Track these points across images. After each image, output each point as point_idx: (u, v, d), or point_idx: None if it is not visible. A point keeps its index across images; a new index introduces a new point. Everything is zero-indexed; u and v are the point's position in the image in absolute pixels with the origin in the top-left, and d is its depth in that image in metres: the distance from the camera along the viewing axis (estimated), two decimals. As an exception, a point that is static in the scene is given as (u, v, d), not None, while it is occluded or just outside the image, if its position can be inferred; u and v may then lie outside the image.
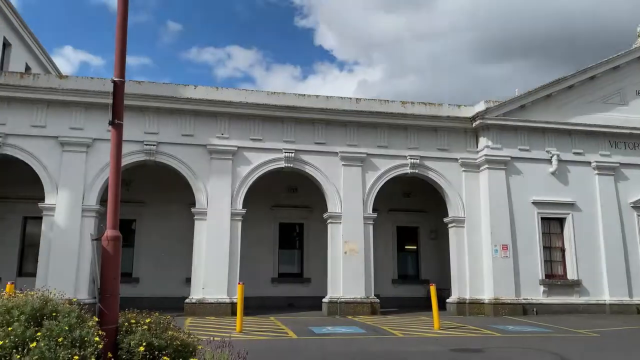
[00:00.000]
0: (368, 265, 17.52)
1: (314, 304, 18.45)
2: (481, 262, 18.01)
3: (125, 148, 16.37)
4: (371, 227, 17.92)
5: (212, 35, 77.03)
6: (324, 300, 17.37)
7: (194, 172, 17.14)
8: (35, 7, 70.93)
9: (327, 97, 18.22)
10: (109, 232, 5.87)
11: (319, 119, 17.98)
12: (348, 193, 17.85)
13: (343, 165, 18.01)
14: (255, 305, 17.44)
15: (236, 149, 17.44)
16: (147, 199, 19.60)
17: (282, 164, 17.69)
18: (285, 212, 21.25)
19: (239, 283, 13.29)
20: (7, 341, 4.81)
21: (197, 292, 16.32)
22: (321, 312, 17.36)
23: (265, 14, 76.96)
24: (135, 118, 16.32)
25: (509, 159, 18.59)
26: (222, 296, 16.27)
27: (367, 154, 18.18)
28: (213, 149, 17.25)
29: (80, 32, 74.00)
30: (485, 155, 18.46)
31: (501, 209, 18.14)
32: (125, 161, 16.46)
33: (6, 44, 22.80)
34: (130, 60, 78.23)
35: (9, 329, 4.96)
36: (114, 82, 6.27)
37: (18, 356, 4.67)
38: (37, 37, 24.66)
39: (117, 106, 6.26)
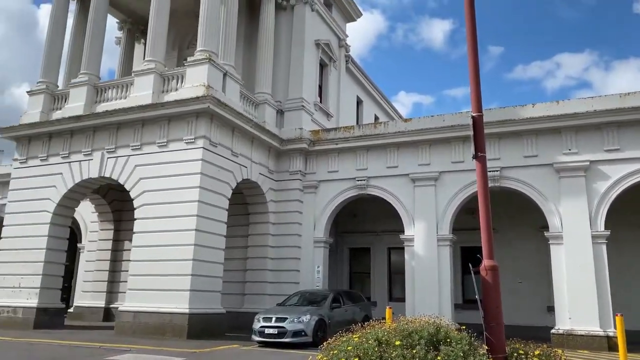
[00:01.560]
0: None
1: None
2: None
3: (468, 177, 16.99)
4: None
5: (536, 49, 73.45)
6: None
7: (541, 194, 16.26)
8: (371, 63, 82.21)
9: None
10: (486, 262, 6.05)
11: (697, 113, 14.63)
12: None
13: None
14: (636, 341, 14.98)
15: (588, 163, 15.77)
16: (496, 225, 19.52)
17: (651, 174, 15.02)
18: (661, 231, 17.82)
19: (616, 315, 11.68)
20: (412, 362, 5.39)
21: (563, 323, 15.11)
22: None
23: (594, 11, 68.88)
24: (476, 147, 16.71)
25: None
26: (593, 328, 14.60)
27: None
28: (560, 167, 16.05)
29: (409, 77, 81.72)
30: None
31: None
32: (472, 189, 16.98)
33: (359, 101, 27.00)
34: (456, 92, 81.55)
35: (413, 351, 5.56)
36: (472, 117, 6.58)
37: (425, 377, 5.17)
38: (381, 90, 28.27)
39: (478, 140, 6.52)
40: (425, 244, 17.39)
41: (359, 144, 18.97)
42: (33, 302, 17.15)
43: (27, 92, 19.43)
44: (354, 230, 22.52)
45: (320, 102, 22.36)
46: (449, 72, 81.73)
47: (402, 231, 18.00)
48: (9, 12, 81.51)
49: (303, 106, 20.40)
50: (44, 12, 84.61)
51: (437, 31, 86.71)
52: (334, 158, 19.51)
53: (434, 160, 17.86)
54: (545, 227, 16.20)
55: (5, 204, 19.36)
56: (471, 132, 6.79)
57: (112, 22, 22.80)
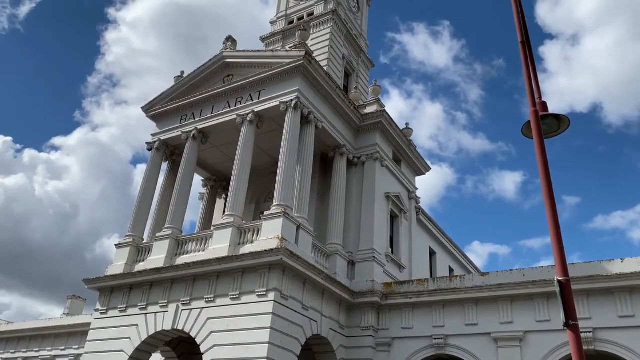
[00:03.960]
0: None
1: None
2: None
3: (556, 338, 15.47)
4: None
5: (616, 198, 71.12)
6: None
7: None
8: (442, 213, 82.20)
9: None
10: None
11: None
12: None
13: None
14: None
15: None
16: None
17: None
18: None
19: None
20: None
21: None
22: None
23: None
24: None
25: None
26: None
27: None
28: (665, 329, 14.33)
29: (482, 227, 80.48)
30: None
31: None
32: (563, 353, 15.39)
33: (432, 252, 26.52)
34: (533, 242, 78.50)
35: None
36: (559, 282, 6.17)
37: None
38: (454, 241, 27.79)
39: (568, 307, 6.04)
40: (515, 416, 15.41)
41: (434, 298, 18.15)
42: None
43: (115, 245, 20.84)
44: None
45: (392, 253, 22.15)
46: (524, 223, 79.98)
47: (488, 398, 16.20)
48: (111, 173, 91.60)
49: (374, 257, 20.24)
50: (139, 171, 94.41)
51: (508, 182, 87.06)
52: (408, 313, 18.64)
53: (517, 319, 16.60)
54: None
55: (81, 355, 19.68)
56: (558, 296, 6.31)
57: (196, 179, 24.82)
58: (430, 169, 26.27)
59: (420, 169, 26.01)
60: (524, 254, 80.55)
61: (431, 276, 24.17)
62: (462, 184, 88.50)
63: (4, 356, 28.93)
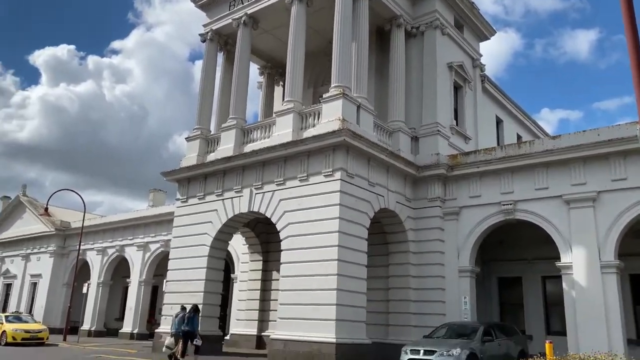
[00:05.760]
0: None
1: None
2: None
3: (632, 196, 15.11)
4: None
5: None
6: None
7: None
8: (508, 82, 78.12)
9: None
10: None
11: None
12: None
13: None
14: None
15: None
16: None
17: None
18: None
19: None
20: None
21: None
22: None
23: None
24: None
25: None
26: None
27: None
28: None
29: (552, 93, 76.11)
30: None
31: None
32: (633, 213, 15.14)
33: (499, 121, 25.73)
34: (608, 104, 73.90)
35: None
36: (640, 129, 5.85)
37: None
38: (522, 107, 26.67)
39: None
40: (586, 272, 15.69)
41: (502, 165, 17.93)
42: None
43: (186, 138, 21.78)
44: (502, 258, 21.11)
45: (457, 125, 21.70)
46: (598, 84, 74.73)
47: (557, 258, 16.48)
48: (172, 71, 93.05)
49: (439, 131, 19.95)
50: (198, 68, 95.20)
51: (582, 42, 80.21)
52: (476, 182, 18.65)
53: (590, 180, 16.20)
54: None
55: (170, 240, 21.67)
56: None
57: (253, 68, 24.74)
58: (496, 32, 24.55)
59: (485, 34, 24.38)
60: (598, 117, 76.47)
61: (498, 145, 23.64)
62: (530, 49, 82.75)
63: (103, 245, 32.51)
